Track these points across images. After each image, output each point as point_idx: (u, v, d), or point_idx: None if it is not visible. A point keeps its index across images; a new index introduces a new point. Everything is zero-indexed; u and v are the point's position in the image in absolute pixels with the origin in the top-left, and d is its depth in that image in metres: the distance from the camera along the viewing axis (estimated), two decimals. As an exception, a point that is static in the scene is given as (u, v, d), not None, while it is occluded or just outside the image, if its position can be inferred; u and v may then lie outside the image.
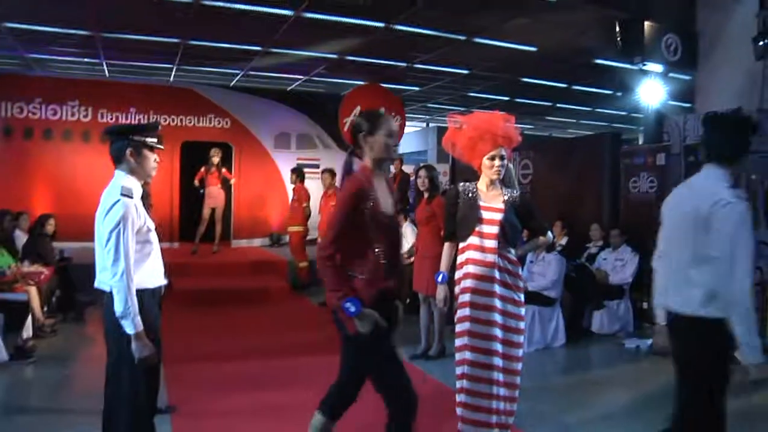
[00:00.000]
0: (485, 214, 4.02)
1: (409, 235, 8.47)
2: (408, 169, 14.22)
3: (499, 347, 3.93)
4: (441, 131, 20.92)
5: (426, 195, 6.34)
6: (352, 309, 3.02)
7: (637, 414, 5.00)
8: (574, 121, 20.79)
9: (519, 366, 4.02)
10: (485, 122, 4.06)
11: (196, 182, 11.08)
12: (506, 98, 16.46)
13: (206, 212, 10.99)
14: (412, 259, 7.09)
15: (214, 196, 11.02)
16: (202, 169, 11.04)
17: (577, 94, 15.19)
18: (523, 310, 4.04)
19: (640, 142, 12.34)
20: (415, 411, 3.17)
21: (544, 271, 7.00)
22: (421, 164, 7.16)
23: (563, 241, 8.20)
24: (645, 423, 4.76)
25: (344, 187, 3.14)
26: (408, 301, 8.42)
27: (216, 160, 11.00)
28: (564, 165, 9.51)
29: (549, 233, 4.26)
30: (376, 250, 3.11)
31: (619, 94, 14.59)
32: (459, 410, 4.02)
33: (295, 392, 5.33)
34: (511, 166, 5.24)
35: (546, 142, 17.62)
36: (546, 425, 4.67)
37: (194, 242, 11.01)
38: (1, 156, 11.50)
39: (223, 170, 11.21)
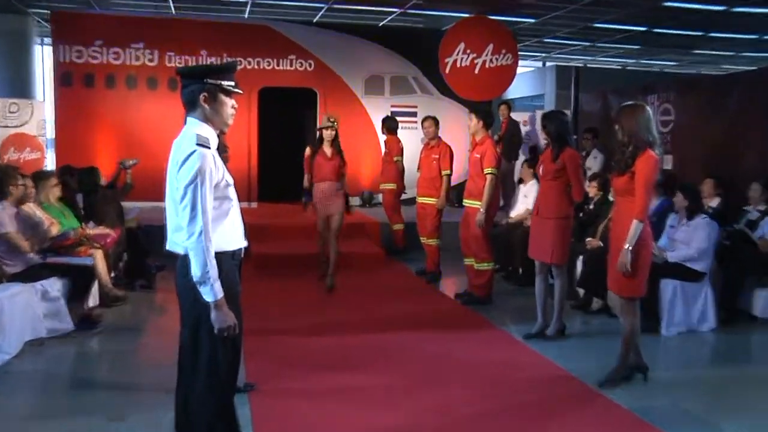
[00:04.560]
0: None
1: (532, 193, 8.39)
2: (519, 116, 14.01)
3: None
4: (561, 71, 20.50)
5: (552, 146, 6.23)
6: None
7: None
8: (731, 54, 19.73)
9: None
10: None
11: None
12: (642, 29, 15.83)
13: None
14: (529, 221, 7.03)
15: None
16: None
17: (738, 18, 14.29)
18: None
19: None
20: None
21: (689, 237, 6.73)
22: (542, 111, 7.01)
23: (714, 202, 7.85)
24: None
25: None
26: (521, 270, 8.39)
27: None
28: (716, 109, 9.07)
29: None
30: None
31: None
32: None
33: (389, 372, 5.42)
34: (648, 110, 5.09)
35: (692, 80, 16.80)
36: (692, 427, 4.51)
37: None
38: (60, 106, 12.08)
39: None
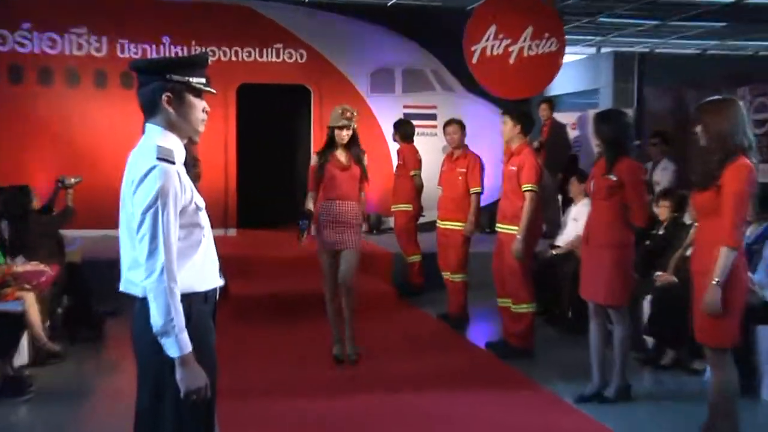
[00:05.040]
0: None
1: (583, 216, 8.35)
2: (566, 117, 14.00)
3: None
4: (620, 59, 20.46)
5: (605, 156, 6.26)
6: None
7: None
8: None
9: None
10: None
11: None
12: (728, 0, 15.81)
13: None
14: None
15: None
16: None
17: None
18: None
19: None
20: None
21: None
22: (595, 111, 7.03)
23: None
24: None
25: None
26: (571, 313, 8.39)
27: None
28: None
29: None
30: None
31: None
32: None
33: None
34: (741, 106, 5.08)
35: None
36: None
37: None
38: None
39: None
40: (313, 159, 7.49)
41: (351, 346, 7.39)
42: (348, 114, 7.21)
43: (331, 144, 7.34)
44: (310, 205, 7.36)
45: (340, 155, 7.30)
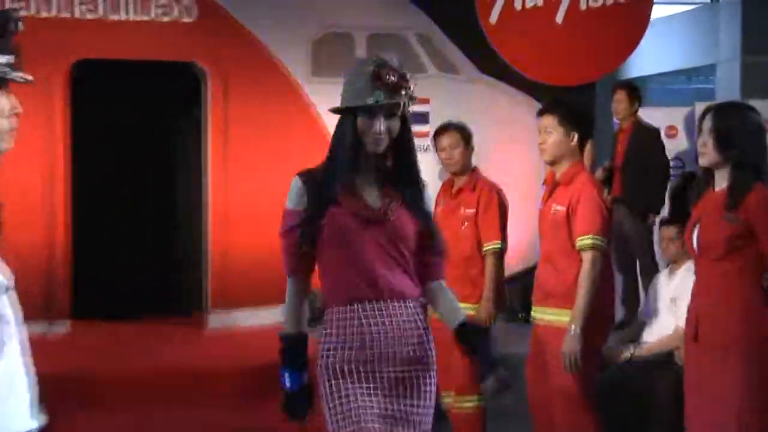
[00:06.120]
0: None
1: (687, 293, 7.94)
2: (660, 116, 14.07)
3: None
4: (754, 13, 20.57)
5: (731, 183, 6.21)
6: None
7: None
8: None
9: None
10: None
11: None
12: None
13: None
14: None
15: None
16: None
17: None
18: None
19: None
20: None
21: None
22: (707, 105, 7.05)
23: None
24: None
25: None
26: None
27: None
28: None
29: None
30: None
31: None
32: None
33: None
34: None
35: None
36: None
37: None
38: None
39: None
40: (293, 196, 5.22)
41: None
42: (390, 77, 5.00)
43: (348, 157, 5.11)
44: (296, 324, 5.32)
45: (369, 186, 5.19)
